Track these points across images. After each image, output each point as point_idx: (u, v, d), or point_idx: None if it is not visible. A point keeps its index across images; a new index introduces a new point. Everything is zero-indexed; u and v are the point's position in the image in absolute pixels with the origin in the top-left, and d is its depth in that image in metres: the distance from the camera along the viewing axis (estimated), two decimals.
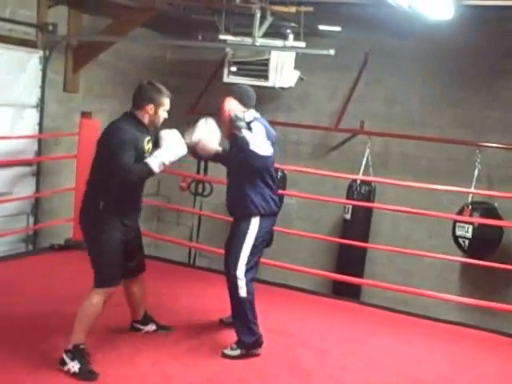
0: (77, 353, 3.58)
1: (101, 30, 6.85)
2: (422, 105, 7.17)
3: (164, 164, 3.64)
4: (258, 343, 4.10)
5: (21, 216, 6.60)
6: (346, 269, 6.47)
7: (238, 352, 4.05)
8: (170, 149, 3.69)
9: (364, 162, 6.93)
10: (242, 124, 3.93)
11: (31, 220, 6.70)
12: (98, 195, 3.73)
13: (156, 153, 3.68)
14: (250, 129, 3.97)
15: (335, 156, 7.60)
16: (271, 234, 4.53)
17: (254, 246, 4.08)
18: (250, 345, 4.06)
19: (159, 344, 4.17)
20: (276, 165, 4.37)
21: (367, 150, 6.98)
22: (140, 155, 3.68)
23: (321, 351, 4.34)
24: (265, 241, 4.22)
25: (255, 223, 4.08)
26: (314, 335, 4.63)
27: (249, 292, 4.03)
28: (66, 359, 3.58)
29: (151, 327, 4.36)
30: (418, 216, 6.32)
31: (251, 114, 4.12)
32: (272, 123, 7.49)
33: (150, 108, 3.75)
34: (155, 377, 3.72)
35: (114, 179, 3.61)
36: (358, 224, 6.90)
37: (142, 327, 4.35)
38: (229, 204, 4.30)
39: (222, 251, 4.38)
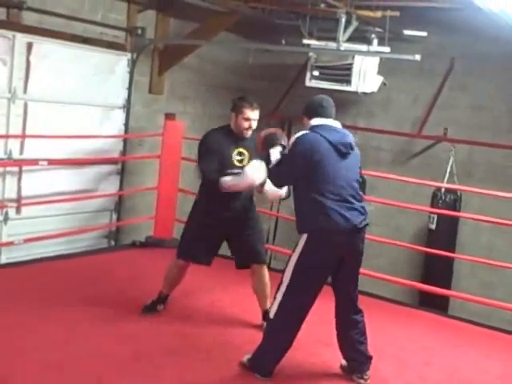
0: (158, 295, 4.53)
1: (186, 33, 7.02)
2: (510, 112, 6.93)
3: (234, 184, 3.99)
4: (262, 369, 3.70)
5: (104, 212, 6.84)
6: (433, 280, 6.22)
7: (245, 362, 3.80)
8: (246, 175, 3.95)
9: (448, 170, 6.76)
10: (272, 143, 3.80)
11: (114, 217, 6.93)
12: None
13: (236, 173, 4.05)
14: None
15: (416, 163, 7.45)
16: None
17: (298, 270, 3.57)
18: (253, 365, 3.74)
19: (233, 340, 4.21)
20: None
21: (451, 158, 6.80)
22: (223, 161, 4.09)
23: (399, 360, 4.25)
24: (322, 267, 3.59)
25: (301, 244, 3.59)
26: (392, 343, 4.55)
27: (277, 316, 3.62)
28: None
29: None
30: (502, 227, 6.10)
31: (312, 122, 3.75)
32: (352, 128, 7.53)
33: (233, 116, 4.16)
34: (228, 370, 3.76)
35: None
36: (444, 234, 6.71)
37: (261, 322, 4.41)
38: None
39: (283, 251, 4.36)
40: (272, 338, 3.68)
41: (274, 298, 3.68)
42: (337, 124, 3.75)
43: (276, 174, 3.74)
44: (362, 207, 3.66)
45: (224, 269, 4.95)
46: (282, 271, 3.68)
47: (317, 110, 3.76)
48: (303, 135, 3.62)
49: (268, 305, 4.26)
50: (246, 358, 3.80)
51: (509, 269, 5.94)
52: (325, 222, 3.51)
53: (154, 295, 4.54)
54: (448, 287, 6.60)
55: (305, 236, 3.57)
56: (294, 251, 3.62)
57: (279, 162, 3.70)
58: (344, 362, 3.91)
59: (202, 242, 4.28)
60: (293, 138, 3.66)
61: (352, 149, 3.69)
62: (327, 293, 4.66)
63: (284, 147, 3.79)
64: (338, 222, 3.51)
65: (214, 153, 4.09)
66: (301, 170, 3.56)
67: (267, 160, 3.76)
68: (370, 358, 3.81)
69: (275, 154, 3.74)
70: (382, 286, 6.29)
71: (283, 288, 3.61)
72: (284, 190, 4.09)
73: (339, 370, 3.96)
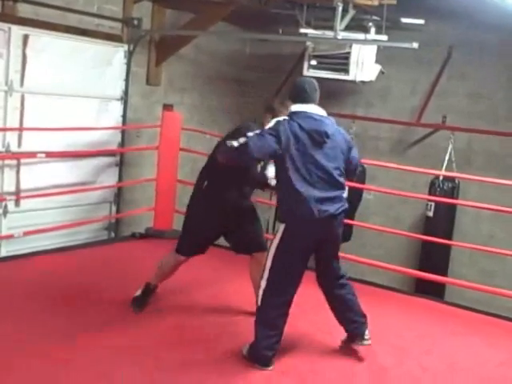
0: (145, 287, 4.43)
1: (183, 24, 6.99)
2: (508, 100, 6.92)
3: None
4: (258, 358, 3.71)
5: (104, 204, 6.84)
6: (430, 267, 6.26)
7: (244, 353, 3.81)
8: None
9: (447, 158, 6.76)
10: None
11: (113, 209, 6.93)
12: None
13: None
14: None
15: (415, 152, 7.45)
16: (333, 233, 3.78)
17: (276, 258, 3.65)
18: (249, 355, 3.77)
19: (237, 330, 4.22)
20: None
21: (450, 146, 6.80)
22: None
23: (398, 348, 4.26)
24: (298, 253, 3.67)
25: (279, 232, 3.67)
26: (392, 332, 4.56)
27: (262, 303, 3.69)
28: (139, 289, 4.43)
29: None
30: (502, 214, 6.11)
31: (293, 108, 3.73)
32: (351, 117, 7.53)
33: (267, 116, 4.03)
34: (231, 364, 3.77)
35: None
36: (442, 222, 6.73)
37: None
38: None
39: None
40: (262, 325, 3.70)
41: (259, 286, 3.75)
42: (317, 110, 3.71)
43: (255, 146, 3.52)
44: (340, 195, 3.72)
45: (224, 259, 4.96)
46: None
47: (299, 96, 3.73)
48: (283, 120, 3.63)
49: None
50: (244, 349, 3.81)
51: (508, 256, 5.96)
52: (299, 212, 3.60)
53: (142, 286, 4.45)
54: (444, 274, 6.63)
55: (283, 225, 3.66)
56: (273, 239, 3.70)
57: (258, 136, 3.56)
58: (344, 338, 4.06)
59: (204, 238, 4.28)
60: (272, 121, 3.68)
61: (327, 137, 3.64)
62: None
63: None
64: (313, 212, 3.57)
65: None
66: (277, 146, 3.53)
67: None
68: (366, 316, 4.00)
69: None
70: (381, 275, 6.32)
71: (266, 275, 3.69)
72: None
73: (341, 357, 3.98)
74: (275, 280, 3.67)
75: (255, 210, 4.45)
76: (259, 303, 3.73)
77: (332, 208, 3.64)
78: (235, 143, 3.55)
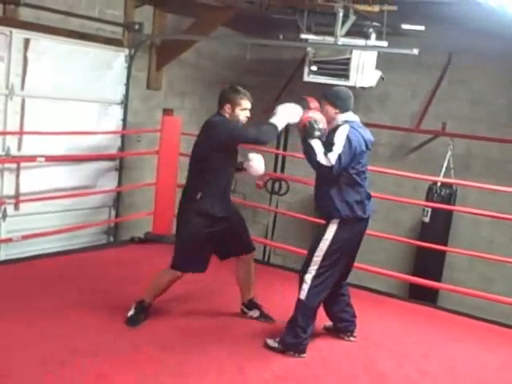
0: (139, 305, 4.26)
1: (184, 29, 7.01)
2: (508, 106, 6.93)
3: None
4: (298, 347, 3.97)
5: (103, 209, 6.84)
6: (424, 272, 6.29)
7: (276, 345, 4.02)
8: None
9: (445, 165, 6.77)
10: (315, 133, 3.87)
11: (113, 213, 6.93)
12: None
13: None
14: (331, 134, 3.89)
15: (415, 158, 7.46)
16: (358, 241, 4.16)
17: (328, 254, 3.92)
18: (288, 345, 3.98)
19: (236, 335, 4.21)
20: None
21: (449, 153, 6.81)
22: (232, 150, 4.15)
23: (397, 353, 4.27)
24: (346, 251, 4.02)
25: (331, 229, 3.94)
26: (391, 337, 4.56)
27: (308, 297, 3.93)
28: (132, 307, 4.27)
29: (254, 313, 4.51)
30: (501, 221, 6.11)
31: (344, 117, 3.98)
32: None
33: (228, 107, 4.14)
34: (231, 369, 3.76)
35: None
36: (437, 227, 6.73)
37: (246, 311, 4.53)
38: (315, 206, 4.24)
39: (297, 249, 4.40)
40: (304, 317, 3.95)
41: (303, 281, 3.95)
42: (358, 119, 4.04)
43: (339, 161, 3.81)
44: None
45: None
46: (309, 254, 3.99)
47: (347, 104, 4.01)
48: (350, 131, 3.88)
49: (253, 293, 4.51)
50: (271, 341, 4.04)
51: (507, 263, 5.96)
52: (355, 211, 3.93)
53: (134, 304, 4.26)
54: (438, 280, 6.63)
55: (335, 222, 3.92)
56: (321, 236, 3.94)
57: (341, 153, 3.82)
58: (328, 324, 4.39)
59: (203, 253, 4.15)
60: (341, 131, 3.86)
61: (372, 145, 4.08)
62: None
63: (321, 133, 3.88)
64: (363, 211, 3.97)
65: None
66: (351, 159, 3.87)
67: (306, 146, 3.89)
68: (356, 316, 4.33)
69: (317, 145, 3.85)
70: (378, 280, 6.32)
71: (313, 271, 3.93)
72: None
73: (341, 362, 4.00)
74: (321, 277, 3.94)
75: (238, 209, 4.49)
76: (303, 297, 3.94)
77: (371, 209, 4.08)
78: (325, 159, 3.79)
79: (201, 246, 4.09)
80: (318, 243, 3.94)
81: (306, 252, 4.17)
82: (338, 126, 3.93)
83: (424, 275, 6.07)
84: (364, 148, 3.95)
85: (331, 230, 3.93)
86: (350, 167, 3.88)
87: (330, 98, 4.03)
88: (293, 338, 3.97)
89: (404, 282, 6.88)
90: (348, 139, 3.83)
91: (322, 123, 3.91)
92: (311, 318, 3.99)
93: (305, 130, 3.90)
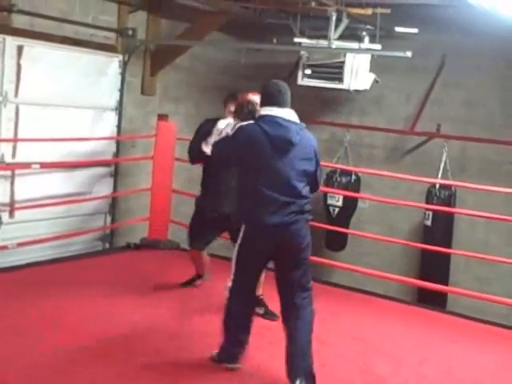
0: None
1: (178, 34, 7.00)
2: (502, 107, 6.95)
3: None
4: (227, 358, 3.75)
5: (98, 215, 6.81)
6: (431, 276, 6.24)
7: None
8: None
9: (442, 166, 6.77)
10: (242, 115, 3.84)
11: (108, 219, 6.90)
12: None
13: None
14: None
15: (410, 160, 7.47)
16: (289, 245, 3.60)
17: (239, 260, 3.67)
18: (218, 355, 3.80)
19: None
20: (350, 167, 4.28)
21: (444, 154, 6.82)
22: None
23: (395, 357, 4.25)
24: (256, 256, 3.65)
25: (241, 233, 3.64)
26: (388, 341, 4.55)
27: (228, 304, 3.72)
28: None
29: (259, 310, 4.47)
30: (496, 222, 6.12)
31: (263, 110, 3.61)
32: (345, 126, 7.55)
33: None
34: (227, 374, 3.74)
35: None
36: (440, 230, 6.71)
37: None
38: None
39: None
40: (226, 321, 3.72)
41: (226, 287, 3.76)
42: (284, 113, 3.53)
43: (217, 148, 3.79)
44: (299, 205, 3.52)
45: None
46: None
47: (268, 98, 3.58)
48: (245, 126, 3.57)
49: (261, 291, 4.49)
50: (214, 352, 3.83)
51: (504, 264, 5.97)
52: (254, 217, 3.54)
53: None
54: (446, 283, 6.61)
55: (243, 227, 3.63)
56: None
57: (222, 139, 3.77)
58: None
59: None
60: (237, 125, 3.66)
61: (292, 145, 3.48)
62: (324, 293, 4.67)
63: (251, 115, 3.75)
64: (265, 219, 3.49)
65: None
66: (235, 158, 3.66)
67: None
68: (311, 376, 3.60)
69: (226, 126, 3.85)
70: (379, 284, 6.31)
71: (231, 275, 3.71)
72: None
73: (338, 367, 3.98)
74: (237, 279, 3.70)
75: None
76: (225, 302, 3.75)
77: (283, 219, 3.50)
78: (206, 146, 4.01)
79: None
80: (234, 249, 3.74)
81: None
82: (247, 119, 3.69)
83: (432, 279, 6.02)
84: (266, 148, 3.47)
85: (240, 235, 3.64)
86: (243, 165, 3.61)
87: (260, 89, 3.75)
88: (223, 349, 3.76)
89: (410, 287, 6.84)
90: (237, 132, 3.58)
91: (255, 105, 3.81)
92: (236, 321, 3.72)
93: (237, 110, 3.92)
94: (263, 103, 3.62)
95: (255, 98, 3.85)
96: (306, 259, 3.65)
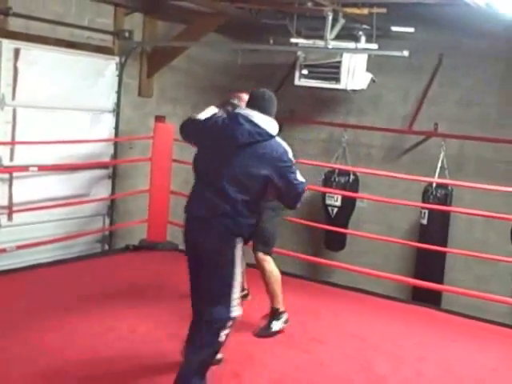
0: (274, 313, 4.42)
1: (174, 35, 7.00)
2: (499, 106, 6.95)
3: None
4: None
5: (97, 217, 6.81)
6: (426, 275, 6.25)
7: None
8: None
9: (439, 165, 6.78)
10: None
11: (107, 221, 6.90)
12: None
13: None
14: None
15: (408, 159, 7.47)
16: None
17: None
18: None
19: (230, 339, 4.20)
20: (348, 167, 4.29)
21: (442, 153, 6.82)
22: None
23: (395, 356, 4.26)
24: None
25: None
26: (387, 340, 4.55)
27: None
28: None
29: None
30: (495, 221, 6.12)
31: (238, 109, 3.63)
32: (343, 126, 7.56)
33: None
34: (225, 374, 3.75)
35: None
36: (436, 229, 6.72)
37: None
38: None
39: (292, 253, 4.42)
40: None
41: None
42: (257, 117, 3.37)
43: (183, 124, 3.75)
44: (222, 207, 3.30)
45: None
46: None
47: (249, 100, 3.54)
48: (215, 115, 3.60)
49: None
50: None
51: (501, 262, 5.98)
52: (185, 207, 3.49)
53: (270, 316, 4.42)
54: (441, 281, 6.62)
55: None
56: None
57: (192, 119, 3.70)
58: None
59: None
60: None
61: (236, 145, 3.32)
62: (323, 292, 4.68)
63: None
64: (190, 210, 3.45)
65: None
66: (191, 138, 3.66)
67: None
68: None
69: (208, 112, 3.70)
70: (376, 283, 6.32)
71: None
72: None
73: (338, 366, 3.98)
74: None
75: None
76: None
77: (203, 212, 3.37)
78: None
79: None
80: None
81: (301, 256, 4.18)
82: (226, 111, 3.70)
83: (427, 277, 6.05)
84: (216, 138, 3.42)
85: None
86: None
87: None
88: None
89: (405, 285, 6.86)
90: (206, 117, 3.61)
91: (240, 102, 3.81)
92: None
93: (223, 101, 3.87)
94: (246, 104, 3.57)
95: (245, 96, 3.84)
96: (220, 277, 3.34)
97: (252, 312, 4.46)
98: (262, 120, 3.38)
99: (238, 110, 3.52)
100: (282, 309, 4.40)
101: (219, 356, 3.66)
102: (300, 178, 3.42)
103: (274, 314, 4.39)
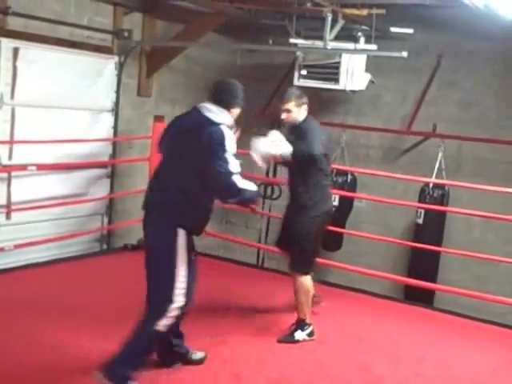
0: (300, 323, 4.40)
1: (173, 35, 7.01)
2: (497, 107, 6.97)
3: None
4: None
5: (95, 216, 6.80)
6: (419, 274, 6.27)
7: None
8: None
9: (437, 166, 6.79)
10: None
11: (105, 220, 6.90)
12: None
13: None
14: None
15: (406, 160, 7.48)
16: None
17: None
18: None
19: (230, 340, 4.20)
20: (346, 167, 4.32)
21: (440, 154, 6.83)
22: None
23: (393, 356, 4.27)
24: None
25: None
26: (386, 340, 4.56)
27: None
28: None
29: None
30: (493, 221, 6.14)
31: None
32: (342, 126, 7.57)
33: None
34: (225, 374, 3.75)
35: None
36: (431, 229, 6.73)
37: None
38: None
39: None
40: None
41: None
42: (206, 107, 3.45)
43: None
44: (159, 194, 3.45)
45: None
46: None
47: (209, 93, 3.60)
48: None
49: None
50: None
51: (499, 262, 5.99)
52: None
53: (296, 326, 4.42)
54: (434, 281, 6.64)
55: None
56: None
57: None
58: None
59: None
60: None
61: (179, 132, 3.46)
62: (321, 292, 4.68)
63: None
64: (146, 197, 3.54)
65: None
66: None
67: None
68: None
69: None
70: (373, 282, 6.33)
71: None
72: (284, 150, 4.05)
73: (336, 366, 3.99)
74: None
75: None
76: None
77: (147, 199, 3.50)
78: None
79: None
80: None
81: None
82: None
83: (420, 276, 6.07)
84: (169, 129, 3.61)
85: None
86: None
87: None
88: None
89: (398, 284, 6.88)
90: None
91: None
92: None
93: None
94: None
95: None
96: (157, 266, 3.39)
97: (275, 318, 4.58)
98: (208, 109, 3.43)
99: (197, 104, 3.54)
100: (307, 320, 4.40)
101: (201, 355, 3.77)
102: (233, 168, 3.28)
103: (299, 324, 4.39)
